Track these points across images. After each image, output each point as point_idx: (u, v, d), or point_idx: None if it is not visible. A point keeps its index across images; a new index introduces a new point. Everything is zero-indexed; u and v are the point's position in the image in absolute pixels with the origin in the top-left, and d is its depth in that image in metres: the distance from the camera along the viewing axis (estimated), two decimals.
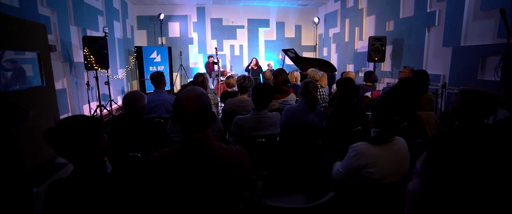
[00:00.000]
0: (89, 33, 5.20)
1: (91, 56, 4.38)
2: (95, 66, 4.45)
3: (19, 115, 1.95)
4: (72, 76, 4.58)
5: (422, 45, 4.74)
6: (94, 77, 4.66)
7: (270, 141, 1.92)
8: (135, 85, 7.83)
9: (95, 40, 4.52)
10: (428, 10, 4.58)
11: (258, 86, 1.88)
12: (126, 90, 7.41)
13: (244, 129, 1.92)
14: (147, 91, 6.71)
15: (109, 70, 5.74)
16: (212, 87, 7.32)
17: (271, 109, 2.67)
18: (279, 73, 2.82)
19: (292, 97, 2.78)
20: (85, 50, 4.33)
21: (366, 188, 1.28)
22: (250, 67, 6.96)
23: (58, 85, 4.20)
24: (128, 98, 1.89)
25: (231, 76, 3.35)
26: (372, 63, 5.48)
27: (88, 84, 4.57)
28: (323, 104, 2.96)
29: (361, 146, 1.31)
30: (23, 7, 3.30)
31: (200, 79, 2.74)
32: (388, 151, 1.28)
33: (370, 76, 4.00)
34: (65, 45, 4.36)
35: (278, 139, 2.03)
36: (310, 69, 3.09)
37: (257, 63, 7.01)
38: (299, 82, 3.62)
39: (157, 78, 2.81)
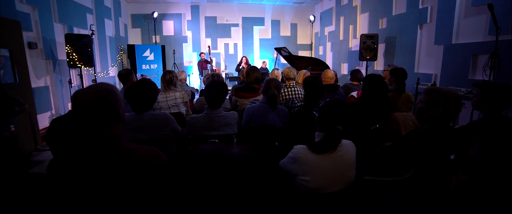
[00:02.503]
0: (77, 31, 5.17)
1: (74, 54, 4.34)
2: (78, 64, 4.41)
3: (18, 107, 2.12)
4: (56, 74, 4.55)
5: (414, 43, 4.56)
6: (78, 75, 4.62)
7: (224, 142, 1.82)
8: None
9: (79, 38, 4.47)
10: (420, 7, 4.40)
11: (210, 85, 1.78)
12: (117, 88, 7.38)
13: (196, 128, 1.83)
14: None
15: (97, 68, 5.74)
16: (194, 86, 7.26)
17: (242, 108, 2.56)
18: (250, 71, 2.71)
19: None
20: (67, 47, 4.29)
21: (302, 197, 1.16)
22: (241, 67, 6.84)
23: (40, 83, 4.18)
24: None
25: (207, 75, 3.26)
26: (369, 62, 5.29)
27: (70, 82, 4.54)
28: (299, 104, 2.84)
29: (300, 150, 1.19)
30: None
31: (168, 77, 2.64)
32: (328, 159, 1.15)
33: (356, 75, 3.86)
34: (48, 43, 4.33)
35: (235, 140, 1.92)
36: (285, 67, 2.97)
37: (247, 62, 6.88)
38: None
39: (125, 76, 2.73)
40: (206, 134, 1.83)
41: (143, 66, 7.32)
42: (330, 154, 1.14)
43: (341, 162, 1.16)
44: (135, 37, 8.33)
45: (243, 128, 2.03)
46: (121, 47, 6.77)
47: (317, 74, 3.52)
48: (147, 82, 1.83)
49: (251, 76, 2.71)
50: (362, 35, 5.16)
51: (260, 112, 1.97)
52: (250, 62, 7.17)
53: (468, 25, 3.62)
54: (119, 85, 7.48)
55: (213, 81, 1.82)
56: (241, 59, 7.00)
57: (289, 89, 2.74)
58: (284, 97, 2.71)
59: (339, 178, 1.16)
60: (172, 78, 2.66)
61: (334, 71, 3.06)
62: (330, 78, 2.95)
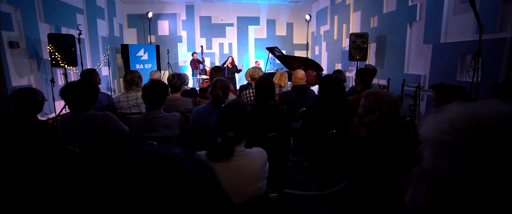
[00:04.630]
0: (66, 31, 5.21)
1: (57, 53, 4.37)
2: (62, 63, 4.44)
3: None
4: (40, 73, 4.59)
5: (404, 43, 4.35)
6: (62, 74, 4.65)
7: (162, 144, 1.73)
8: (122, 83, 7.85)
9: (63, 38, 4.50)
10: (410, 4, 4.19)
11: (148, 84, 1.70)
12: (111, 87, 7.45)
13: (135, 129, 1.75)
14: None
15: (88, 67, 5.77)
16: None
17: None
18: (214, 72, 2.62)
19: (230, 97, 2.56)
20: (49, 47, 4.32)
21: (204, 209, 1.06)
22: (225, 66, 6.74)
23: (22, 82, 4.22)
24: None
25: None
26: (362, 62, 5.08)
27: (52, 81, 4.57)
28: None
29: (200, 157, 1.08)
30: None
31: (129, 77, 2.58)
32: (226, 168, 1.03)
33: (338, 76, 3.70)
34: (32, 42, 4.38)
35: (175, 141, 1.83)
36: (251, 67, 2.86)
37: (233, 62, 6.79)
38: None
39: (87, 75, 2.69)
40: (144, 135, 1.75)
41: (137, 66, 7.34)
42: (225, 163, 1.03)
43: (240, 172, 1.05)
44: (130, 37, 8.39)
45: (191, 129, 1.94)
46: (107, 46, 6.80)
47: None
48: (84, 82, 1.76)
49: (214, 77, 2.61)
50: (351, 34, 4.98)
51: (205, 114, 1.87)
52: (236, 63, 7.07)
53: (457, 23, 3.41)
54: (112, 85, 7.54)
55: (149, 81, 1.74)
56: (227, 58, 6.88)
57: (254, 90, 2.62)
58: (248, 98, 2.60)
59: (237, 191, 1.04)
60: (133, 78, 2.60)
61: (304, 71, 2.92)
62: (300, 79, 2.82)
